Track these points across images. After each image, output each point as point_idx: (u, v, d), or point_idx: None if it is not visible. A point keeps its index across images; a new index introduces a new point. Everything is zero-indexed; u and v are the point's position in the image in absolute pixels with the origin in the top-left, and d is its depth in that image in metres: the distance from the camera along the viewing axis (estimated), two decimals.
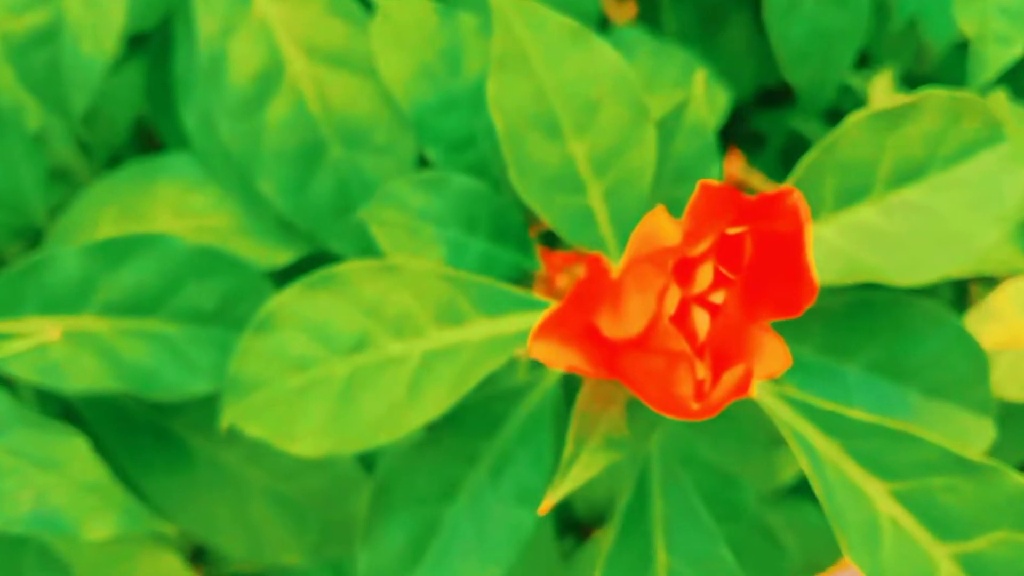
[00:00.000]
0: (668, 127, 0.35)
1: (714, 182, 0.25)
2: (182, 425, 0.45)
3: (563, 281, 0.42)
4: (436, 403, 0.31)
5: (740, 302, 0.24)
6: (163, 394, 0.40)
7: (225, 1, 0.41)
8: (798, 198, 0.23)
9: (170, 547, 0.45)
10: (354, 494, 0.46)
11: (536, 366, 0.35)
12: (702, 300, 0.23)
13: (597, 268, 0.25)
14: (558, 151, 0.32)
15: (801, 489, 0.66)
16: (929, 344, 0.37)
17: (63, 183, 0.54)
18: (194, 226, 0.45)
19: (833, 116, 0.72)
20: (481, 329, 0.31)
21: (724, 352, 0.24)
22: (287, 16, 0.41)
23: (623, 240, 0.33)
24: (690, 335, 0.23)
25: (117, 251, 0.41)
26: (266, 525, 0.47)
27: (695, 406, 0.22)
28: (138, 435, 0.45)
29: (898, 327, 0.37)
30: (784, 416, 0.31)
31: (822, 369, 0.36)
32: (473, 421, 0.35)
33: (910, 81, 0.65)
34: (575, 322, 0.25)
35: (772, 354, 0.25)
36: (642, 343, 0.23)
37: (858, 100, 0.69)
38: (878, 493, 0.30)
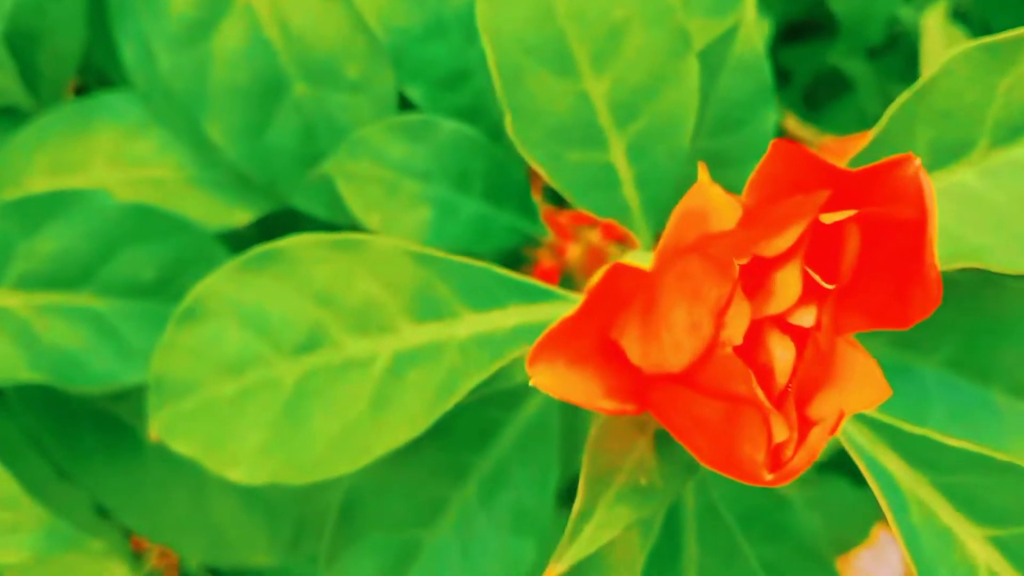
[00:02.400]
0: (710, 62, 0.27)
1: (791, 142, 0.17)
2: (127, 411, 0.38)
3: (575, 251, 0.34)
4: (408, 422, 0.23)
5: (834, 319, 0.16)
6: (91, 384, 0.33)
7: None
8: (919, 170, 0.15)
9: (115, 555, 0.39)
10: (334, 482, 0.39)
11: None
12: (783, 323, 0.15)
13: (620, 267, 0.18)
14: (570, 91, 0.24)
15: (830, 465, 0.60)
16: (1020, 335, 0.29)
17: (10, 120, 0.46)
18: (133, 178, 0.37)
19: (875, 54, 0.63)
20: (468, 325, 0.24)
21: (804, 384, 0.16)
22: None
23: (654, 211, 0.25)
24: (765, 374, 0.15)
25: (35, 212, 0.33)
26: (230, 522, 0.40)
27: (768, 476, 0.14)
28: (76, 424, 0.38)
29: (983, 314, 0.29)
30: (858, 439, 0.23)
31: (895, 367, 0.28)
32: (461, 429, 0.28)
33: (960, 17, 0.57)
34: (590, 338, 0.18)
35: (866, 381, 0.17)
36: (690, 379, 0.15)
37: (907, 36, 0.61)
38: (974, 539, 0.23)
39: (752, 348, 0.15)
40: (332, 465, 0.23)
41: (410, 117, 0.32)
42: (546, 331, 0.17)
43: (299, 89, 0.35)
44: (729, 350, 0.14)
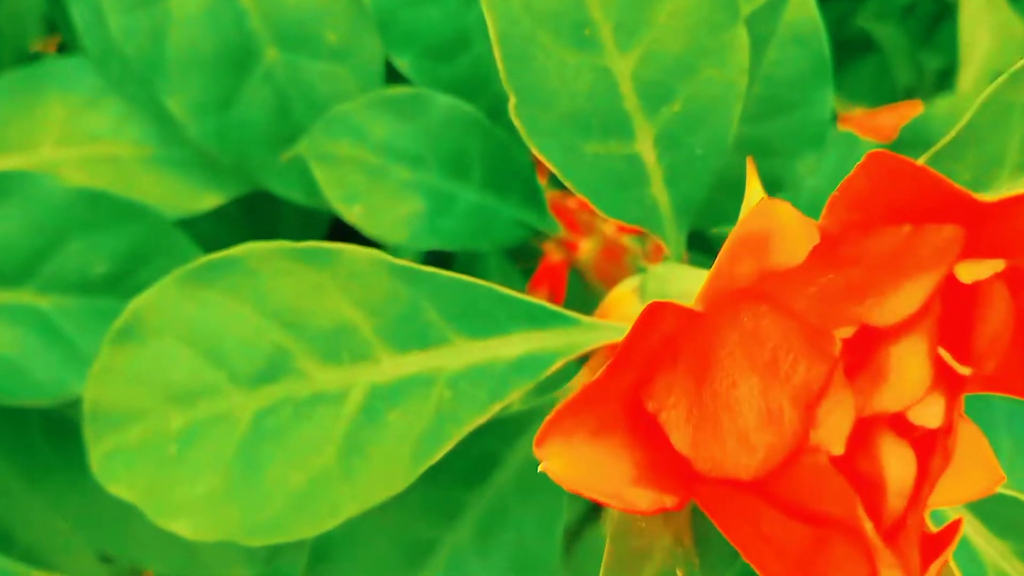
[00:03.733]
0: (754, 32, 0.22)
1: (892, 154, 0.13)
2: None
3: (588, 246, 0.29)
4: (385, 476, 0.19)
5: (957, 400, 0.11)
6: (33, 396, 0.28)
7: None
8: None
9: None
10: None
11: (545, 388, 0.23)
12: (901, 421, 0.11)
13: (659, 308, 0.13)
14: (589, 68, 0.19)
15: None
16: None
17: None
18: (86, 156, 0.32)
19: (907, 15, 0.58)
20: (461, 355, 0.19)
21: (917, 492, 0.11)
22: None
23: (687, 212, 0.21)
24: (872, 491, 0.10)
25: None
26: None
27: None
28: (27, 429, 0.34)
29: None
30: None
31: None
32: (454, 462, 0.23)
33: None
34: (618, 403, 0.13)
35: (978, 464, 0.13)
36: (763, 489, 0.11)
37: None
38: None
39: (855, 455, 0.10)
40: (292, 526, 0.19)
41: (398, 91, 0.27)
42: (561, 403, 0.12)
43: (271, 55, 0.30)
44: (825, 460, 0.10)
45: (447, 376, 0.19)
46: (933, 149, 0.19)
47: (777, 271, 0.13)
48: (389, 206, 0.27)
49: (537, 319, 0.19)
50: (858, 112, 0.52)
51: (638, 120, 0.20)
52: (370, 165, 0.27)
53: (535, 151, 0.19)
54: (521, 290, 0.31)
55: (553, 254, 0.30)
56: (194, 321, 0.20)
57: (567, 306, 0.34)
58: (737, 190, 0.23)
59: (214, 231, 0.36)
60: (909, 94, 0.56)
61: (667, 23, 0.19)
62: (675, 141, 0.20)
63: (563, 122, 0.19)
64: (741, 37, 0.20)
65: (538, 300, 0.19)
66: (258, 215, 0.38)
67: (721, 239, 0.28)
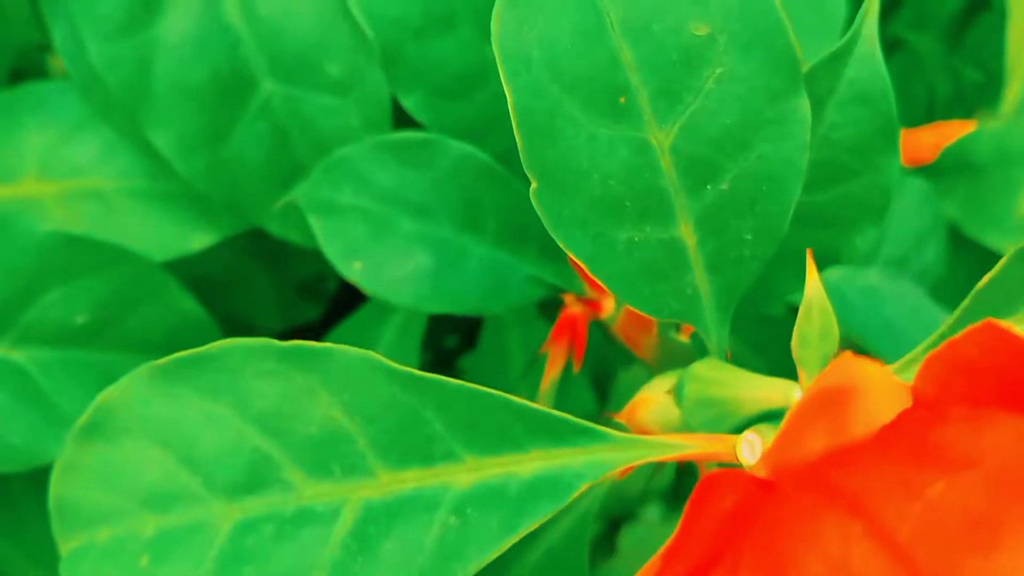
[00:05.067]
0: (812, 89, 0.19)
1: (1003, 331, 0.10)
2: None
3: (612, 305, 0.27)
4: None
5: None
6: (5, 462, 0.26)
7: None
8: None
9: None
10: None
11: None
12: None
13: (714, 481, 0.10)
14: (623, 142, 0.17)
15: None
16: None
17: None
18: (69, 190, 0.29)
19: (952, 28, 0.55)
20: (469, 474, 0.17)
21: None
22: None
23: (730, 302, 0.18)
24: None
25: None
26: None
27: None
28: (6, 481, 0.31)
29: None
30: None
31: None
32: None
33: None
34: None
35: None
36: None
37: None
38: None
39: None
40: None
41: (406, 135, 0.24)
42: None
43: (267, 87, 0.27)
44: None
45: (453, 497, 0.17)
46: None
47: (860, 442, 0.10)
48: (393, 263, 0.24)
49: (560, 435, 0.16)
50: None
51: (679, 200, 0.17)
52: (373, 215, 0.25)
53: (560, 242, 0.16)
54: (541, 340, 0.28)
55: (574, 305, 0.28)
56: (167, 421, 0.18)
57: (588, 363, 0.31)
58: (787, 263, 0.20)
59: (210, 256, 0.33)
60: (947, 108, 0.53)
61: (715, 90, 0.17)
62: (721, 224, 0.17)
63: (593, 207, 0.16)
64: (802, 107, 0.17)
65: (560, 413, 0.16)
66: (261, 242, 0.35)
67: (768, 324, 0.25)
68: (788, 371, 0.17)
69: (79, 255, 0.27)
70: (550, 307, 0.29)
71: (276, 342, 0.17)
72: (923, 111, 0.53)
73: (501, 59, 0.16)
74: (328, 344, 0.16)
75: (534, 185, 0.16)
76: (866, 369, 0.11)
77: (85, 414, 0.18)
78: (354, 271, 0.24)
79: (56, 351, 0.27)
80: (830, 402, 0.11)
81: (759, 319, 0.24)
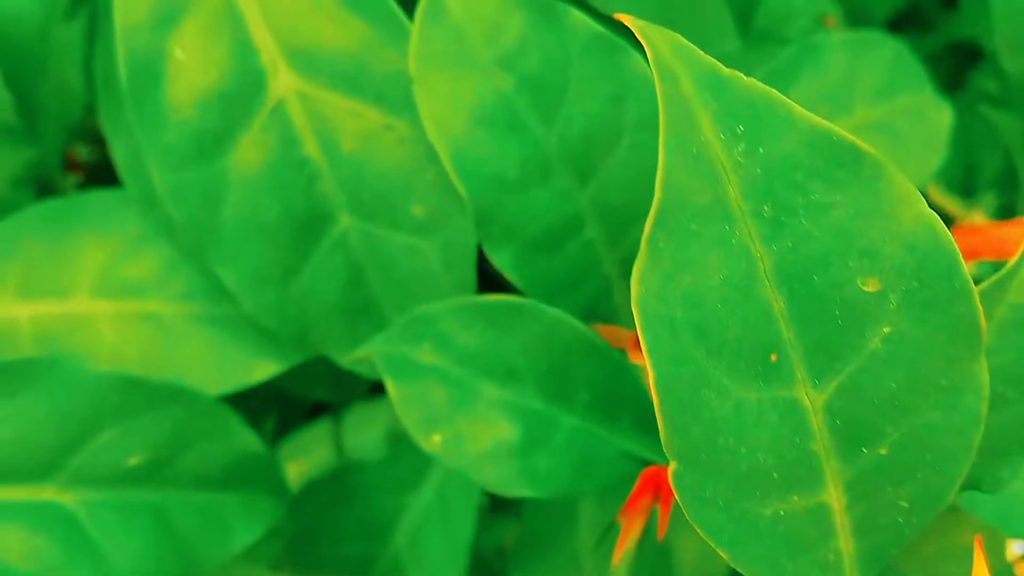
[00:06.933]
0: None
1: None
2: None
3: None
4: None
5: None
6: None
7: None
8: None
9: None
10: None
11: None
12: None
13: None
14: (772, 405, 0.15)
15: None
16: None
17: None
18: (124, 311, 0.28)
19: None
20: None
21: None
22: (269, 4, 0.23)
23: (875, 566, 0.16)
24: None
25: None
26: None
27: None
28: None
29: None
30: None
31: None
32: None
33: None
34: None
35: None
36: None
37: None
38: None
39: None
40: None
41: (498, 300, 0.22)
42: None
43: (345, 222, 0.25)
44: None
45: None
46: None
47: None
48: (475, 435, 0.22)
49: None
50: (978, 218, 0.46)
51: (830, 463, 0.15)
52: (455, 381, 0.23)
53: (696, 525, 0.14)
54: (617, 509, 0.26)
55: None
56: None
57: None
58: None
59: None
60: None
61: (880, 350, 0.14)
62: (875, 489, 0.15)
63: (738, 485, 0.14)
64: (979, 375, 0.15)
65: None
66: None
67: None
68: None
69: (134, 395, 0.25)
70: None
71: None
72: (1011, 189, 0.50)
73: (642, 324, 0.14)
74: None
75: (674, 466, 0.14)
76: None
77: None
78: (433, 443, 0.22)
79: (106, 493, 0.25)
80: None
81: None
